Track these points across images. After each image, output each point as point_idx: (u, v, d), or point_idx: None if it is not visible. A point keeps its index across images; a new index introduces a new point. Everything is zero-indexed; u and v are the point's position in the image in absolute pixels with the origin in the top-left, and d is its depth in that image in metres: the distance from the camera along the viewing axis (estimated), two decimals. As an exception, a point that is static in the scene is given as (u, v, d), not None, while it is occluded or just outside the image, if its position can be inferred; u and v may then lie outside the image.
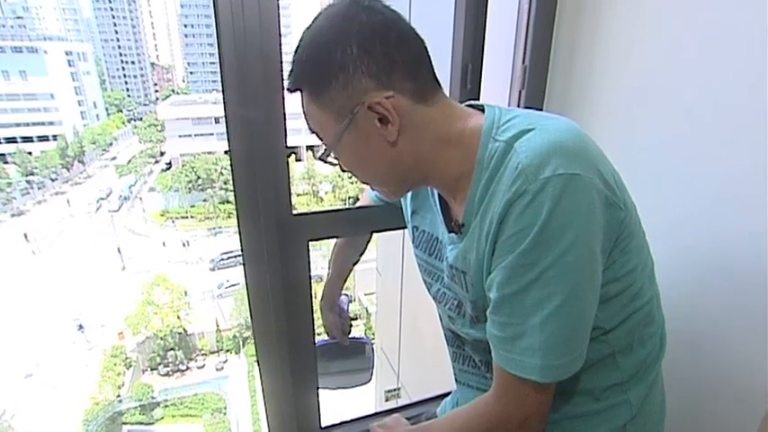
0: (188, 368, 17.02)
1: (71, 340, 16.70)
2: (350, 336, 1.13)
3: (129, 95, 41.64)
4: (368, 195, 0.97)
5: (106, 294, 18.35)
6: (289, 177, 0.81)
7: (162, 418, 15.35)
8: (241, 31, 0.71)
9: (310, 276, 0.95)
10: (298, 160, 25.37)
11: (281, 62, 0.75)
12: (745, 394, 0.69)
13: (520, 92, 1.00)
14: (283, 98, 0.77)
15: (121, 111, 38.72)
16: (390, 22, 0.58)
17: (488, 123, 0.59)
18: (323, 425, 1.14)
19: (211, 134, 27.32)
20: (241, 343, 17.65)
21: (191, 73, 37.83)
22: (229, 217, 24.21)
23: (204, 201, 24.68)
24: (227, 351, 17.67)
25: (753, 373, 0.68)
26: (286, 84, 0.63)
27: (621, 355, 0.61)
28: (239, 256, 0.87)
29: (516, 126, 0.56)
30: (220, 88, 0.75)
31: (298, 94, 0.62)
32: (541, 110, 1.00)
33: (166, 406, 15.57)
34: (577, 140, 0.53)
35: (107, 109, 37.91)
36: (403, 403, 1.27)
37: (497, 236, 0.54)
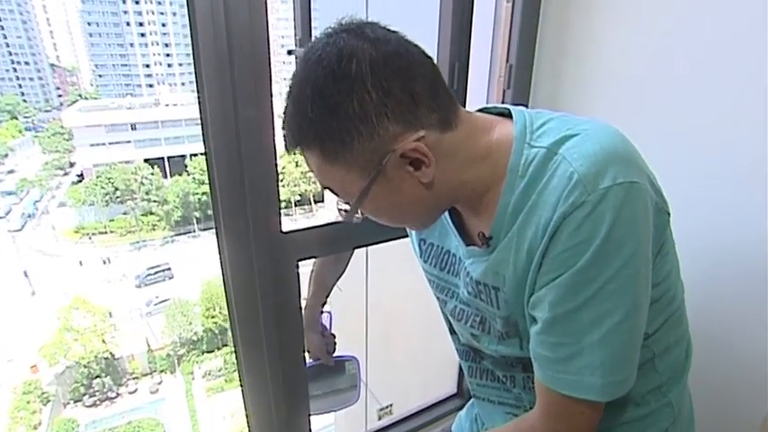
0: (118, 395, 15.87)
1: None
2: (334, 355, 1.07)
3: (24, 101, 37.32)
4: None
5: (13, 325, 16.39)
6: (278, 190, 0.72)
7: (92, 453, 14.10)
8: (222, 29, 0.61)
9: (300, 299, 0.87)
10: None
11: (269, 61, 0.66)
12: (755, 379, 0.72)
13: (504, 91, 0.98)
14: (271, 100, 0.68)
15: (16, 118, 34.61)
16: (399, 48, 0.50)
17: (520, 128, 0.54)
18: (314, 455, 1.05)
19: (128, 142, 25.29)
20: (176, 361, 16.74)
21: (99, 76, 34.59)
22: (153, 229, 22.70)
23: (125, 214, 22.88)
24: (162, 371, 16.71)
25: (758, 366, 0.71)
26: (289, 139, 0.53)
27: (659, 358, 0.60)
28: (167, 269, 0.77)
29: (555, 130, 0.52)
30: (195, 89, 0.65)
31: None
32: (527, 106, 0.99)
33: (96, 441, 14.32)
34: (627, 145, 0.50)
35: (-2, 116, 33.75)
36: (393, 420, 1.22)
37: (547, 250, 0.50)
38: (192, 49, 0.65)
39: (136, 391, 16.02)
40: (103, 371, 15.50)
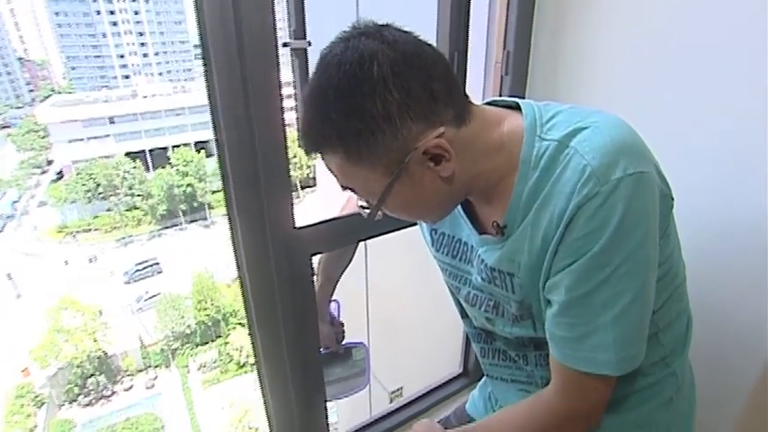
0: (114, 393, 15.80)
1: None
2: (343, 342, 1.10)
3: (-6, 98, 36.05)
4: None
5: (0, 329, 16.12)
6: (291, 186, 0.73)
7: (91, 453, 14.08)
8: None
9: (314, 292, 0.89)
10: (209, 156, 23.92)
11: (278, 55, 0.66)
12: (750, 347, 0.76)
13: (502, 78, 0.99)
14: (281, 96, 0.68)
15: (-13, 116, 33.46)
16: (416, 49, 0.52)
17: (530, 121, 0.56)
18: (331, 439, 1.09)
19: (107, 136, 24.60)
20: (170, 355, 16.72)
21: (72, 68, 33.33)
22: (139, 224, 22.34)
23: (108, 210, 22.40)
24: (156, 366, 16.66)
25: (755, 327, 0.75)
26: (304, 146, 0.55)
27: (663, 331, 0.64)
28: (156, 264, 0.78)
29: (565, 123, 0.54)
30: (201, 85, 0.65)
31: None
32: (524, 96, 1.00)
33: (94, 439, 14.29)
34: (634, 136, 0.53)
35: (-33, 115, 32.53)
36: (402, 403, 1.26)
37: (563, 238, 0.52)
38: (201, 44, 0.65)
39: (131, 387, 16.01)
40: (97, 369, 15.38)
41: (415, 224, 0.85)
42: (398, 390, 1.50)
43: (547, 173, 0.53)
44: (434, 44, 0.56)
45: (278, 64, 0.69)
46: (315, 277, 1.02)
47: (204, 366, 16.47)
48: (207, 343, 17.02)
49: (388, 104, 0.49)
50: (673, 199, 0.57)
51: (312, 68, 0.54)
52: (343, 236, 0.87)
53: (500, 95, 1.01)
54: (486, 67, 1.03)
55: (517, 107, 0.59)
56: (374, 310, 1.66)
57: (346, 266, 1.05)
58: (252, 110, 0.65)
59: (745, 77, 0.70)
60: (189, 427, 14.84)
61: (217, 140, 0.67)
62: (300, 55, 1.01)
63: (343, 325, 1.10)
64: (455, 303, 0.82)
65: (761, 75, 0.68)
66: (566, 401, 0.60)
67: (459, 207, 0.69)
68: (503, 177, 0.58)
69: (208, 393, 15.69)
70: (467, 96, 0.57)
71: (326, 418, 1.05)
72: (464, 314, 0.81)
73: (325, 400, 1.08)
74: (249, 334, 0.86)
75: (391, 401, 1.49)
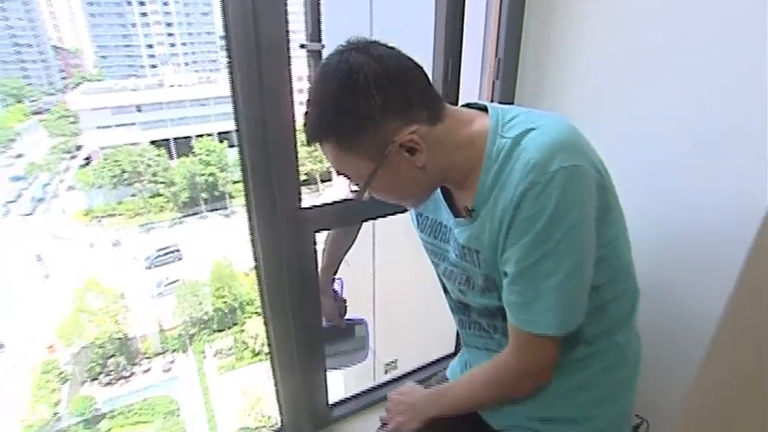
0: (132, 374, 16.17)
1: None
2: (345, 318, 1.21)
3: (29, 84, 37.18)
4: None
5: (29, 307, 16.77)
6: (298, 174, 0.85)
7: (110, 429, 14.51)
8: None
9: (317, 266, 1.01)
10: (231, 146, 24.32)
11: (288, 52, 0.78)
12: (693, 325, 0.86)
13: (494, 82, 1.10)
14: (291, 90, 0.81)
15: (22, 101, 34.58)
16: (397, 63, 0.64)
17: (494, 122, 0.67)
18: (329, 402, 1.21)
19: (133, 124, 25.18)
20: (188, 341, 17.04)
21: (102, 57, 34.27)
22: (161, 211, 22.84)
23: (132, 196, 22.93)
24: (174, 351, 16.97)
25: (695, 303, 0.85)
26: (305, 136, 0.67)
27: (609, 305, 0.74)
28: (176, 251, 0.91)
29: (520, 125, 0.65)
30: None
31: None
32: (514, 98, 1.11)
33: (113, 416, 14.71)
34: (573, 136, 0.63)
35: (4, 100, 33.71)
36: (396, 375, 1.38)
37: (513, 219, 0.63)
38: (226, 43, 0.77)
39: (149, 370, 16.36)
40: (117, 350, 15.81)
41: (404, 210, 0.97)
42: (393, 362, 1.62)
43: (504, 166, 0.64)
44: (432, 53, 0.67)
45: (289, 62, 0.81)
46: (320, 256, 1.15)
47: (220, 353, 16.76)
48: (223, 330, 17.27)
49: (371, 106, 0.62)
50: (610, 190, 0.67)
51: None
52: (341, 217, 1.00)
53: (491, 97, 1.11)
54: (482, 72, 1.14)
55: (486, 109, 0.70)
56: (378, 287, 1.78)
57: (349, 248, 1.17)
58: (265, 100, 0.78)
59: (717, 84, 0.79)
60: (203, 410, 15.15)
61: (237, 129, 0.79)
62: (315, 56, 1.13)
63: (345, 301, 1.22)
64: (439, 280, 0.94)
65: (730, 81, 0.77)
66: (520, 360, 0.72)
67: (441, 194, 0.80)
68: (472, 168, 0.69)
69: (222, 379, 15.93)
70: (441, 100, 0.69)
71: (326, 381, 1.17)
72: (445, 289, 0.93)
73: (325, 370, 1.20)
74: (261, 302, 0.99)
75: (386, 372, 1.62)
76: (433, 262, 0.89)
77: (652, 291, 0.83)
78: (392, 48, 0.65)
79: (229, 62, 0.77)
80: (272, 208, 0.85)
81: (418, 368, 1.37)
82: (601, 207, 0.65)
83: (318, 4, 1.22)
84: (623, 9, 0.89)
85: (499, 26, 1.04)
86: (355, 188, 0.72)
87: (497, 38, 1.05)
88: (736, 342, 0.88)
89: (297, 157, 0.84)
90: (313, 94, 0.65)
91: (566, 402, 0.77)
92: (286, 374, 1.10)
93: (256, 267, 0.94)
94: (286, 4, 0.77)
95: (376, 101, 0.62)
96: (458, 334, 1.47)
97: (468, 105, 0.74)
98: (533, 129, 0.63)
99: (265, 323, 1.01)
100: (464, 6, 0.99)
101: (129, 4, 32.26)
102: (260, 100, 0.78)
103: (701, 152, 0.82)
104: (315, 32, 1.21)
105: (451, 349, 1.47)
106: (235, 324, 17.43)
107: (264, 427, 14.20)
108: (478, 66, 1.12)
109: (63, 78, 38.70)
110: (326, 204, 0.96)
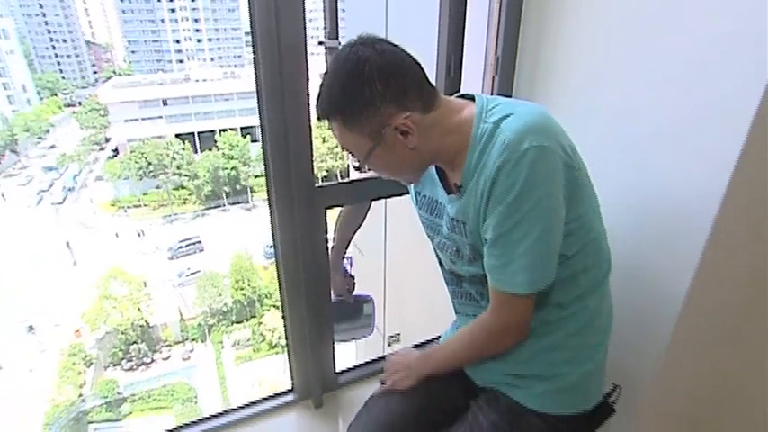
0: (153, 360, 16.67)
1: (20, 344, 15.79)
2: (354, 293, 1.32)
3: (63, 77, 38.50)
4: None
5: (58, 292, 17.42)
6: (312, 156, 0.97)
7: (130, 413, 14.97)
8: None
9: (327, 240, 1.13)
10: (254, 141, 24.74)
11: (306, 47, 0.90)
12: (662, 292, 0.95)
13: (493, 77, 1.19)
14: (308, 77, 0.92)
15: (56, 94, 35.79)
16: (397, 58, 0.75)
17: (478, 110, 0.78)
18: (336, 369, 1.33)
19: (159, 117, 25.82)
20: (206, 331, 17.40)
21: (132, 52, 35.17)
22: (185, 203, 23.40)
23: (157, 188, 23.55)
24: (193, 340, 17.38)
25: (664, 280, 0.94)
26: (317, 113, 0.78)
27: (581, 274, 0.82)
28: (198, 242, 1.03)
29: (499, 112, 0.75)
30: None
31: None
32: (511, 92, 1.20)
33: (134, 400, 15.20)
34: (544, 121, 0.73)
35: (39, 93, 35.00)
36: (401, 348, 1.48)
37: (491, 192, 0.73)
38: (253, 42, 0.89)
39: (169, 357, 16.82)
40: (139, 337, 16.29)
41: (406, 192, 1.08)
42: (396, 335, 1.72)
43: (485, 147, 0.75)
44: (436, 50, 0.78)
45: (306, 60, 0.92)
46: (331, 236, 1.26)
47: (238, 344, 17.09)
48: (241, 322, 17.62)
49: (373, 93, 0.73)
50: (577, 169, 0.75)
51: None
52: (348, 195, 1.11)
53: (492, 91, 1.21)
54: (484, 68, 1.23)
55: (474, 99, 0.81)
56: (388, 269, 1.89)
57: (357, 228, 1.28)
58: (285, 93, 0.89)
59: (689, 80, 0.87)
60: (220, 398, 15.51)
61: (260, 111, 0.91)
62: (332, 53, 1.25)
63: (353, 278, 1.32)
64: (435, 255, 1.04)
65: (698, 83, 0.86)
66: (498, 317, 0.82)
67: (436, 174, 0.91)
68: (461, 150, 0.79)
69: (239, 369, 16.23)
70: (436, 91, 0.79)
71: (333, 351, 1.29)
72: (441, 262, 1.03)
73: (333, 341, 1.31)
74: (277, 275, 1.11)
75: (390, 345, 1.73)
76: (429, 236, 0.99)
77: (624, 265, 0.92)
78: (395, 45, 0.76)
79: (254, 57, 0.89)
80: (287, 186, 0.97)
81: (420, 343, 1.47)
82: (569, 185, 0.74)
83: (336, 3, 1.34)
84: (606, 15, 0.98)
85: (498, 28, 1.13)
86: (356, 163, 0.84)
87: (497, 38, 1.14)
88: (703, 312, 0.96)
89: (311, 140, 0.96)
90: (326, 80, 0.76)
91: (537, 361, 0.87)
92: (298, 342, 1.21)
93: (274, 243, 1.06)
94: (304, 3, 0.88)
95: (377, 88, 0.73)
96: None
97: (462, 96, 0.85)
98: (511, 114, 0.73)
99: (281, 296, 1.13)
100: (465, 9, 1.09)
101: (159, 0, 33.03)
102: (280, 89, 0.89)
103: (672, 136, 0.89)
104: (333, 31, 1.33)
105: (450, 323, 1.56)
106: (253, 316, 17.73)
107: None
108: (481, 63, 1.22)
109: (95, 72, 39.95)
110: (335, 184, 1.08)
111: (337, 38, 1.30)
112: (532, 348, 0.86)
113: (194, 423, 1.25)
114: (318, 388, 1.26)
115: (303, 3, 0.88)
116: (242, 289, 17.38)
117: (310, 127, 0.95)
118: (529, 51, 1.14)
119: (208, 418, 1.24)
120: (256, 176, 23.95)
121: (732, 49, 0.78)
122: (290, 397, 1.29)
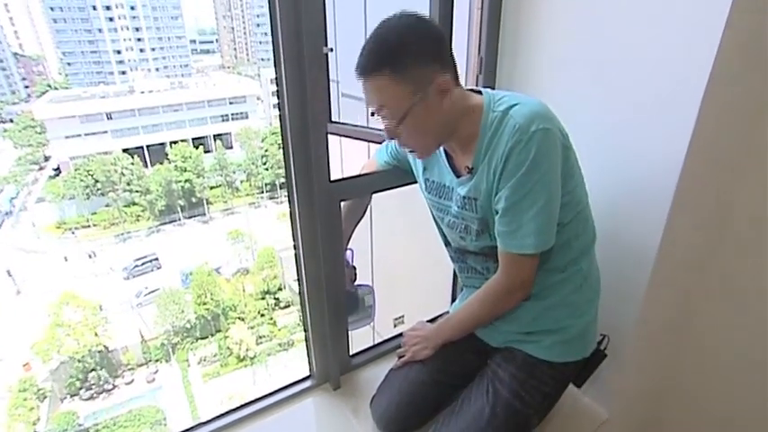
0: (114, 386, 15.83)
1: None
2: (355, 283, 1.42)
3: (-11, 94, 35.81)
4: (375, 163, 1.25)
5: (1, 324, 16.25)
6: (328, 154, 1.06)
7: (96, 442, 14.27)
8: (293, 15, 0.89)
9: (341, 231, 1.22)
10: (207, 151, 24.05)
11: (326, 49, 0.97)
12: (636, 254, 1.11)
13: (477, 76, 1.33)
14: (329, 78, 1.00)
15: (-18, 113, 33.28)
16: (440, 31, 0.87)
17: (487, 101, 0.91)
18: (351, 353, 1.42)
19: (104, 132, 24.45)
20: (170, 350, 16.77)
21: (68, 64, 33.04)
22: (137, 220, 22.34)
23: (107, 206, 22.28)
24: (157, 361, 16.67)
25: (638, 241, 1.10)
26: (361, 68, 0.85)
27: (573, 240, 0.98)
28: (155, 259, 1.09)
29: (507, 102, 0.89)
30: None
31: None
32: (494, 88, 1.35)
33: (97, 430, 14.41)
34: (545, 109, 0.87)
35: (-38, 112, 32.33)
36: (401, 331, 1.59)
37: (504, 168, 0.86)
38: (273, 52, 0.95)
39: (132, 381, 16.05)
40: (98, 364, 15.44)
41: (408, 183, 1.20)
42: (401, 317, 1.83)
43: (496, 132, 0.88)
44: None
45: (327, 63, 1.00)
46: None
47: (204, 360, 16.55)
48: (206, 337, 17.07)
49: (425, 48, 0.84)
50: (570, 149, 0.90)
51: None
52: (360, 188, 1.21)
53: (477, 87, 1.35)
54: (468, 67, 1.37)
55: (478, 92, 0.94)
56: (380, 256, 1.99)
57: (359, 221, 1.38)
58: (307, 92, 0.96)
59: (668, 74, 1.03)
60: (189, 418, 15.00)
61: (281, 119, 1.00)
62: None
63: (355, 269, 1.42)
64: (440, 235, 1.17)
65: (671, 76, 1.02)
66: (507, 277, 0.95)
67: (446, 161, 1.02)
68: (470, 136, 0.92)
69: (208, 386, 15.77)
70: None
71: (348, 334, 1.38)
72: (447, 242, 1.16)
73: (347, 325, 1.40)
74: (297, 268, 1.19)
75: (395, 326, 1.83)
76: (438, 217, 1.11)
77: (605, 233, 1.08)
78: (433, 21, 0.89)
79: (275, 59, 0.96)
80: (308, 181, 1.06)
81: (432, 318, 1.58)
82: (564, 162, 0.88)
83: (324, 9, 1.43)
84: (573, 20, 1.14)
85: (480, 32, 1.27)
86: (387, 124, 0.90)
87: (479, 41, 1.28)
88: (673, 266, 1.14)
89: (327, 141, 1.05)
90: (375, 35, 0.84)
91: (544, 318, 1.01)
92: (317, 329, 1.30)
93: (294, 237, 1.14)
94: (325, 5, 0.95)
95: (430, 45, 0.83)
96: (453, 295, 1.71)
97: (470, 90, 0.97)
98: (517, 104, 0.87)
99: (300, 286, 1.21)
100: (452, 14, 1.22)
101: (95, 8, 31.32)
102: (301, 89, 0.97)
103: (638, 121, 1.05)
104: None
105: (447, 308, 1.69)
106: (218, 331, 17.22)
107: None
108: (464, 63, 1.36)
109: (26, 87, 37.29)
110: (348, 178, 1.18)
111: (326, 44, 1.39)
112: (539, 308, 1.00)
113: (217, 418, 1.31)
114: (336, 371, 1.35)
115: (324, 4, 0.93)
116: (205, 303, 16.85)
117: (326, 132, 1.04)
118: (508, 52, 1.29)
119: (231, 411, 1.30)
120: (212, 188, 23.29)
121: (684, 41, 0.94)
122: (308, 383, 1.37)
